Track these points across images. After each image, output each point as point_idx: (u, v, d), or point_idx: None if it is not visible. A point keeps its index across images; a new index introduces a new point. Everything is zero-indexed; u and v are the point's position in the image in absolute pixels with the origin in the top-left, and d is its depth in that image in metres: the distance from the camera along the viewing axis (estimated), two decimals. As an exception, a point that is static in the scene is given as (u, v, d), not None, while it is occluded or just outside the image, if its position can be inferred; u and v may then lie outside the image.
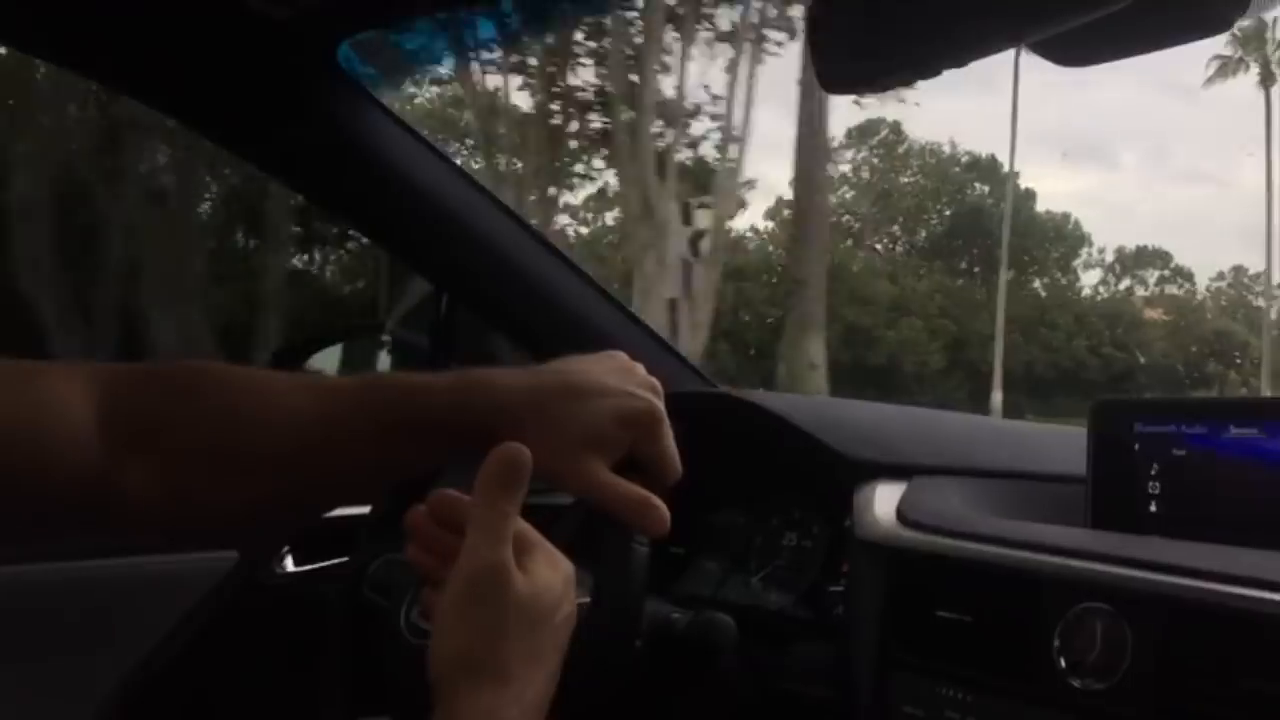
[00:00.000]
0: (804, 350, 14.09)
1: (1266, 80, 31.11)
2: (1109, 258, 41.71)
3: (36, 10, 1.19)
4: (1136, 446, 1.06)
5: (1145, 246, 41.95)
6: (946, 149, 38.24)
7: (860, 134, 37.75)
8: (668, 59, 12.69)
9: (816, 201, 15.20)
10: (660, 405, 0.70)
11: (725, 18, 13.83)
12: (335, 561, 1.62)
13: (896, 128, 37.46)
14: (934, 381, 29.06)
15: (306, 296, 11.94)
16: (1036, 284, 38.04)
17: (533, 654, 0.60)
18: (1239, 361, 36.46)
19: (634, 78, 12.25)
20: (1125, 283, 41.48)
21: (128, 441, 0.63)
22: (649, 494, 0.67)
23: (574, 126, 14.26)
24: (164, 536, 0.69)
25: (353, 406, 0.66)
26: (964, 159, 38.15)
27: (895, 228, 37.94)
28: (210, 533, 0.74)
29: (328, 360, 1.75)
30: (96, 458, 0.62)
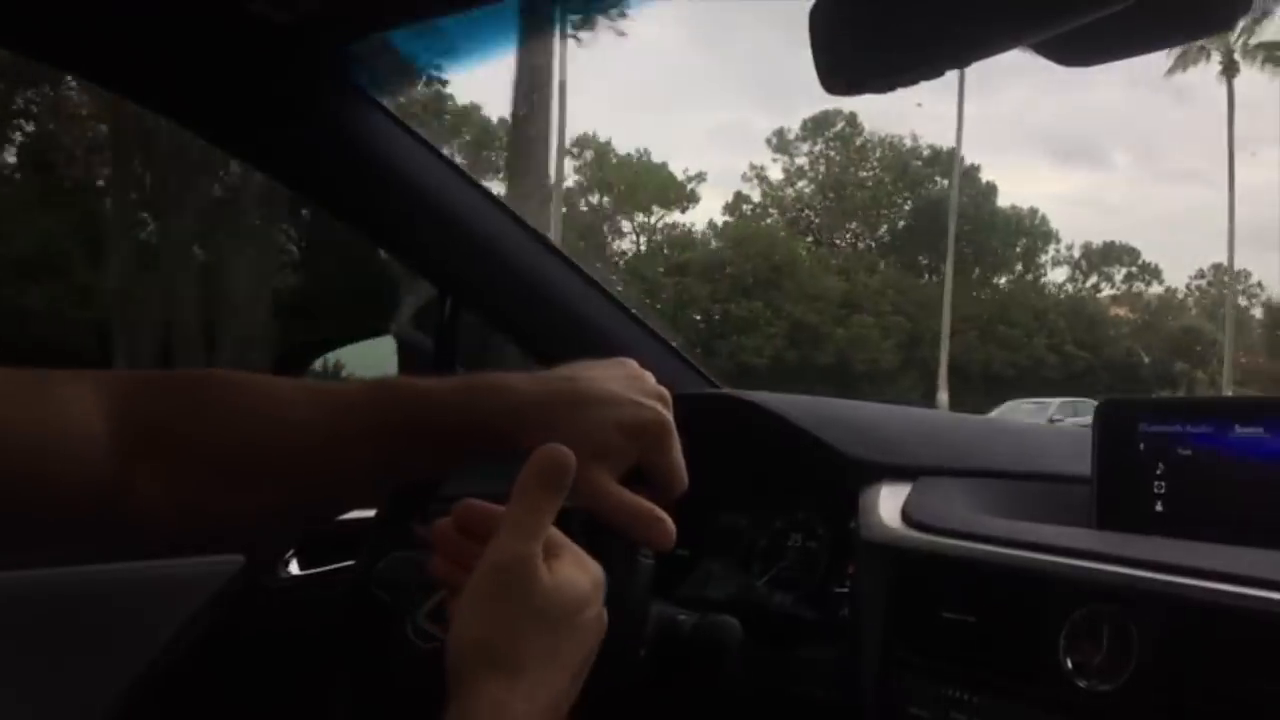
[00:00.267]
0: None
1: (1229, 71, 30.58)
2: (1077, 254, 41.13)
3: (39, 14, 1.20)
4: (1142, 446, 1.05)
5: (1113, 242, 41.28)
6: (908, 141, 37.30)
7: (816, 126, 36.85)
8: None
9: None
10: (669, 416, 0.70)
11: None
12: (340, 565, 1.62)
13: (853, 119, 36.68)
14: (886, 380, 28.51)
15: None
16: (1002, 280, 37.40)
17: (551, 652, 0.59)
18: (1207, 360, 35.79)
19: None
20: (1093, 280, 40.89)
21: (136, 448, 0.63)
22: (655, 507, 0.67)
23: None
24: (171, 541, 0.69)
25: (360, 412, 0.66)
26: (925, 152, 37.26)
27: (855, 223, 37.01)
28: (218, 538, 0.74)
29: (333, 364, 1.75)
30: (105, 465, 0.62)
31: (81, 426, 0.62)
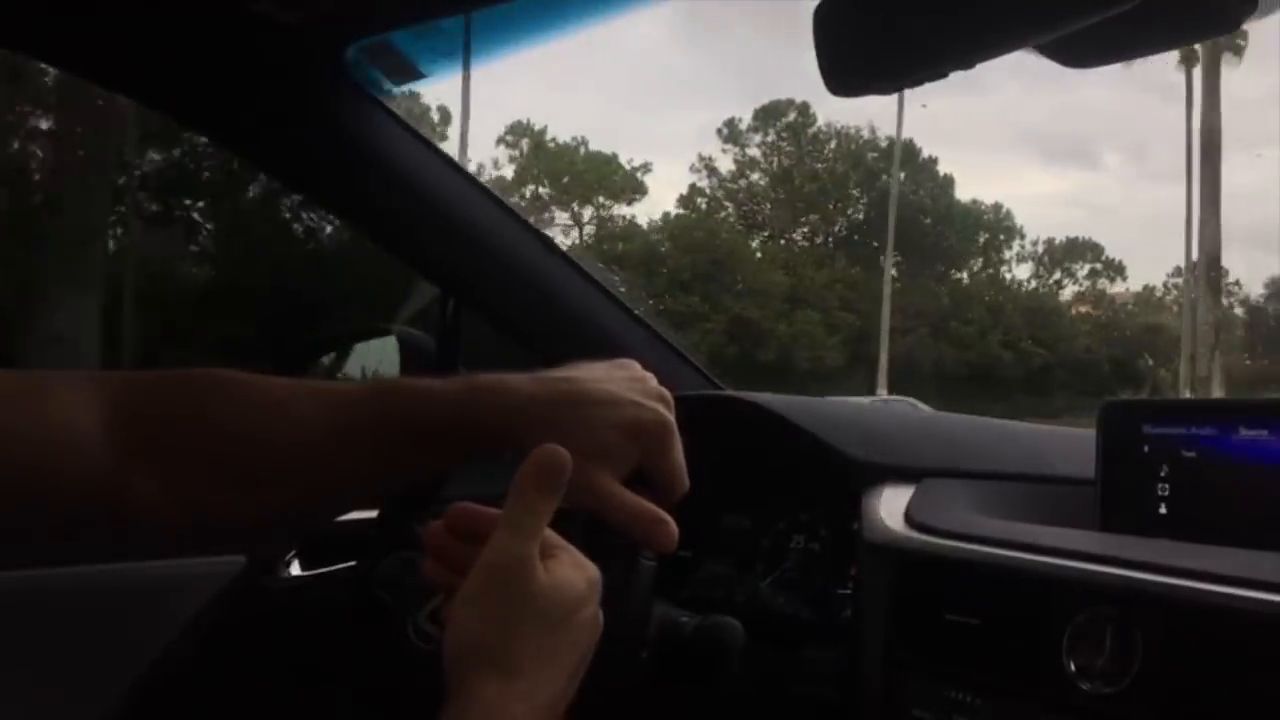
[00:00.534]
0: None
1: (1188, 60, 29.25)
2: (1054, 250, 40.11)
3: (42, 14, 1.20)
4: (1146, 448, 1.05)
5: (1076, 238, 40.50)
6: (865, 133, 36.02)
7: (766, 115, 35.59)
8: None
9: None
10: (670, 417, 0.70)
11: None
12: (342, 566, 1.62)
13: (805, 109, 35.43)
14: (831, 378, 27.79)
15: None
16: (964, 276, 36.53)
17: (547, 652, 0.59)
18: (1172, 358, 34.61)
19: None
20: (1056, 275, 40.08)
21: (135, 450, 0.63)
22: (657, 509, 0.67)
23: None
24: (172, 542, 0.69)
25: (360, 413, 0.66)
26: (883, 144, 35.62)
27: (816, 217, 35.72)
28: (218, 538, 0.74)
29: (333, 363, 1.75)
30: (104, 466, 0.62)
31: (81, 427, 0.62)
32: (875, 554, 1.04)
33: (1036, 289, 38.63)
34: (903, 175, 34.10)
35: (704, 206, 35.22)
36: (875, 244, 33.66)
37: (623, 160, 34.83)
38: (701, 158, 36.61)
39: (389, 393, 0.68)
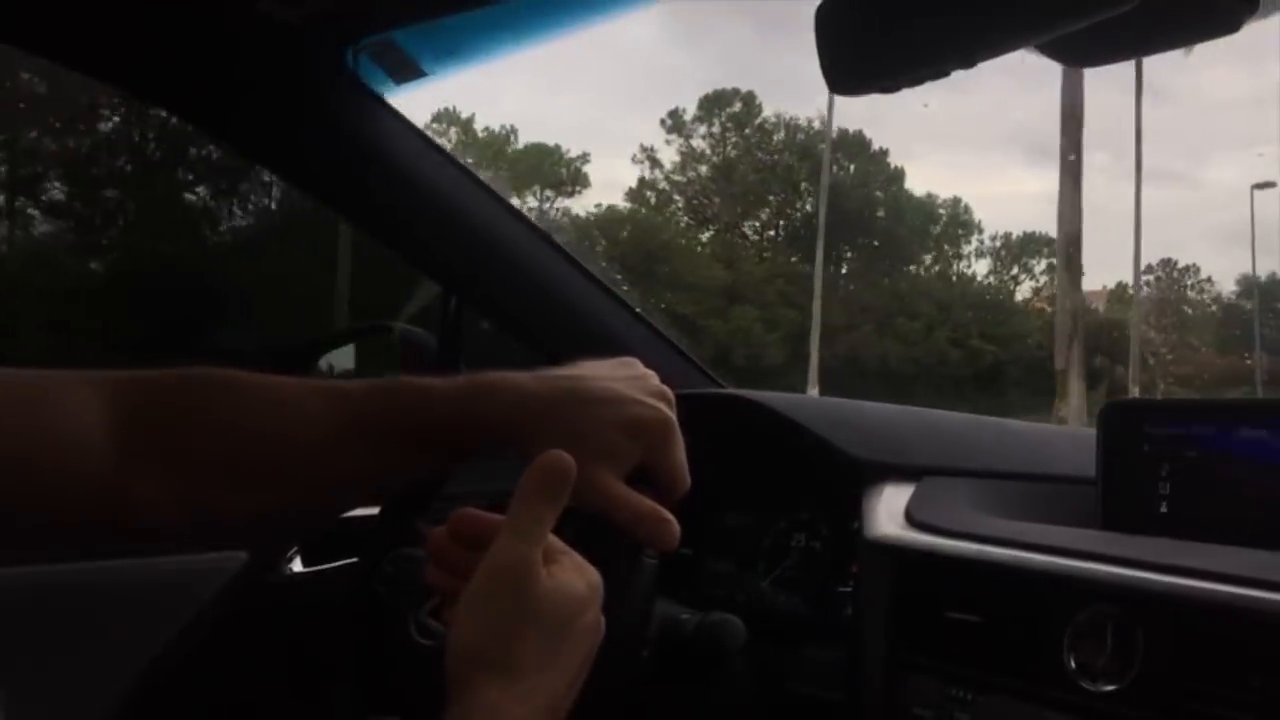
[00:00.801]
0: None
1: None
2: (1011, 245, 38.23)
3: (45, 12, 1.20)
4: (1147, 448, 1.05)
5: (1033, 232, 38.81)
6: (817, 124, 33.37)
7: (710, 104, 33.84)
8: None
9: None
10: (672, 415, 0.70)
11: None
12: (344, 562, 1.63)
13: (750, 99, 33.56)
14: (770, 375, 26.16)
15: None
16: (921, 271, 35.33)
17: (548, 656, 0.59)
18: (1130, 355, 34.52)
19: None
20: (1013, 271, 38.46)
21: (138, 448, 0.63)
22: (659, 507, 0.67)
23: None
24: (174, 540, 0.69)
25: (363, 411, 0.66)
26: (833, 135, 33.13)
27: (767, 211, 33.94)
28: (220, 536, 0.74)
29: (336, 361, 1.75)
30: (106, 464, 0.62)
31: (83, 426, 0.62)
32: (876, 552, 1.04)
33: (989, 284, 37.53)
34: (852, 167, 33.38)
35: (653, 200, 33.82)
36: (829, 235, 31.93)
37: (568, 153, 33.24)
38: (643, 148, 34.46)
39: (391, 391, 0.68)
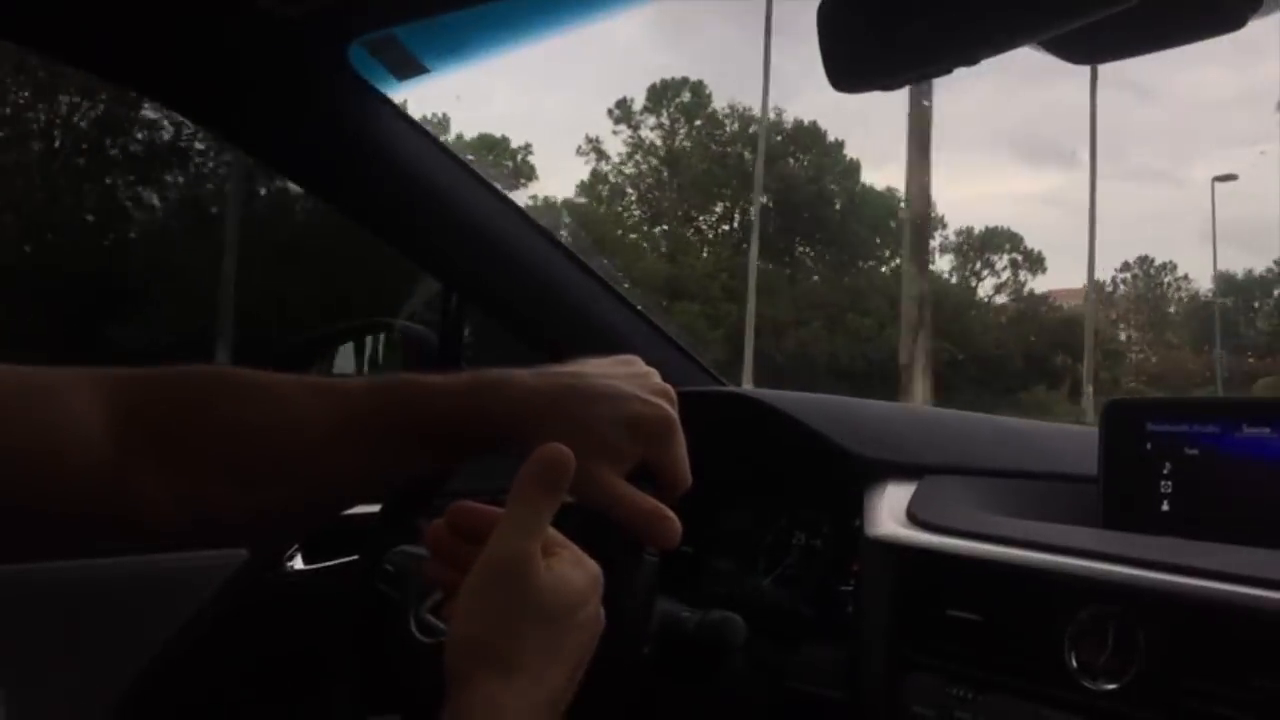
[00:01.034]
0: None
1: None
2: (972, 240, 37.00)
3: (47, 8, 1.20)
4: (1148, 446, 1.05)
5: (996, 227, 37.90)
6: (772, 115, 31.96)
7: (659, 94, 32.53)
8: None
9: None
10: (674, 413, 0.70)
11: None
12: (345, 560, 1.63)
13: (699, 88, 32.13)
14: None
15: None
16: (883, 268, 33.89)
17: (547, 649, 0.59)
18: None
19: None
20: (974, 266, 37.29)
21: (138, 447, 0.63)
22: (660, 505, 0.67)
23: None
24: (174, 538, 0.69)
25: (364, 409, 0.66)
26: (787, 126, 32.21)
27: (723, 205, 32.23)
28: (220, 534, 0.74)
29: (337, 360, 1.75)
30: (107, 464, 0.62)
31: (83, 423, 0.62)
32: (877, 550, 1.04)
33: (950, 281, 36.25)
34: (806, 160, 32.31)
35: (605, 193, 32.68)
36: (783, 230, 31.55)
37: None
38: (589, 140, 32.94)
39: (391, 388, 0.68)
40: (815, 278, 32.37)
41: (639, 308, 1.59)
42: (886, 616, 1.01)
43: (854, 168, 33.89)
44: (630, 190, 32.86)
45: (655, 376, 0.72)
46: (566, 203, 30.80)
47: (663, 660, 1.04)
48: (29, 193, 12.58)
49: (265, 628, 1.63)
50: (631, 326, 1.59)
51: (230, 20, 1.23)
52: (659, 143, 32.77)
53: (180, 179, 13.45)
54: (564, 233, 1.52)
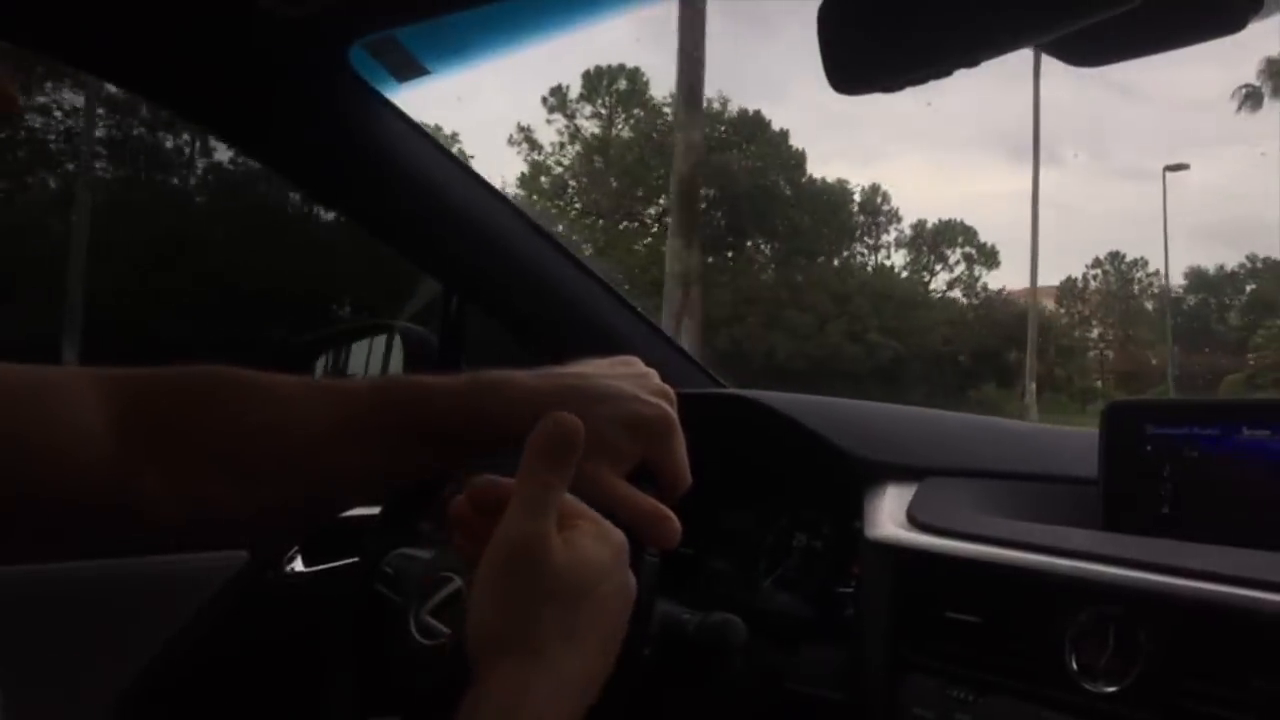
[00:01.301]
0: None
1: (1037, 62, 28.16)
2: (925, 234, 36.32)
3: (47, 8, 1.20)
4: (1149, 448, 1.05)
5: (950, 220, 37.13)
6: (717, 105, 31.31)
7: (594, 81, 31.59)
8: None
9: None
10: (673, 413, 0.70)
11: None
12: (344, 562, 1.63)
13: (635, 75, 31.29)
14: None
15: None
16: (836, 262, 33.60)
17: (571, 628, 0.58)
18: (1045, 350, 31.85)
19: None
20: (927, 260, 36.69)
21: (140, 447, 0.63)
22: (660, 505, 0.66)
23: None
24: (175, 539, 0.69)
25: (365, 410, 0.66)
26: (731, 116, 31.82)
27: (664, 196, 29.79)
28: (222, 535, 0.74)
29: (335, 360, 1.75)
30: (109, 464, 0.62)
31: (86, 424, 0.62)
32: (877, 552, 1.04)
33: (900, 275, 35.69)
34: (750, 149, 31.46)
35: (546, 185, 31.79)
36: (724, 223, 30.71)
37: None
38: (520, 129, 31.80)
39: (392, 390, 0.68)
40: (768, 273, 31.54)
41: (639, 309, 1.59)
42: (886, 618, 1.00)
43: (799, 159, 33.09)
44: (572, 183, 31.87)
45: (655, 377, 0.72)
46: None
47: (663, 662, 1.04)
48: None
49: (265, 628, 1.63)
50: (631, 327, 1.59)
51: (231, 21, 1.23)
52: (598, 132, 31.61)
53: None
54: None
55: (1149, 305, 40.20)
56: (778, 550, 1.27)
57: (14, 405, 0.61)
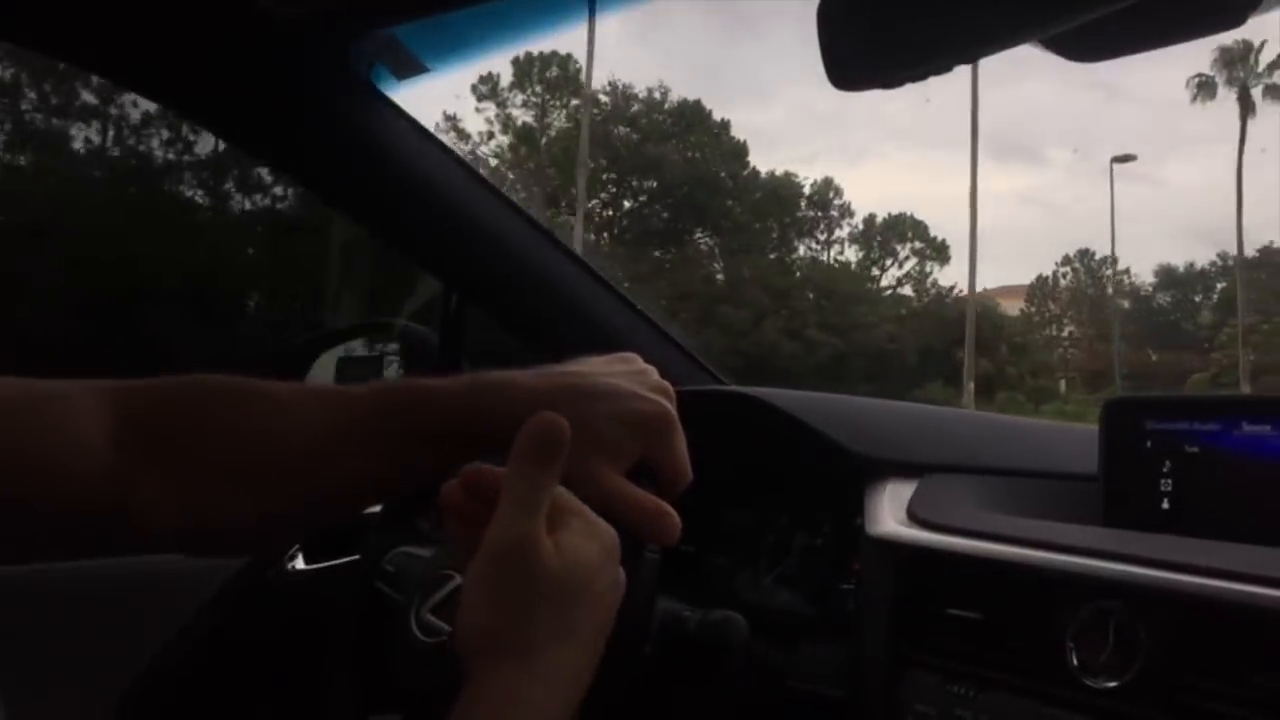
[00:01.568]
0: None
1: (975, 69, 28.11)
2: (875, 229, 35.70)
3: (47, 8, 1.20)
4: (1149, 444, 1.05)
5: (901, 214, 36.59)
6: (657, 94, 31.46)
7: (524, 69, 30.86)
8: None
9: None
10: (672, 409, 0.70)
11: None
12: (345, 560, 1.63)
13: (565, 62, 30.86)
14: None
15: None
16: (792, 257, 33.12)
17: (562, 629, 0.58)
18: (995, 348, 31.89)
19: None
20: (875, 254, 36.18)
21: (140, 457, 0.63)
22: (660, 502, 0.66)
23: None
24: (176, 548, 0.68)
25: (365, 416, 0.66)
26: (669, 105, 31.57)
27: (608, 189, 30.50)
28: (223, 544, 0.73)
29: (334, 360, 1.75)
30: (108, 474, 0.62)
31: (86, 434, 0.62)
32: (878, 549, 1.04)
33: (839, 269, 34.82)
34: (689, 139, 30.86)
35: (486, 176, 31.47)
36: (665, 215, 30.29)
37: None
38: (447, 117, 30.57)
39: (392, 391, 0.68)
40: (711, 269, 30.77)
41: (638, 306, 1.59)
42: (887, 615, 1.00)
43: (741, 150, 32.37)
44: (510, 174, 30.81)
45: (654, 374, 0.72)
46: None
47: (663, 659, 1.04)
48: None
49: (266, 627, 1.63)
50: (631, 325, 1.59)
51: (230, 20, 1.23)
52: (532, 121, 30.88)
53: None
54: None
55: (1125, 304, 40.11)
56: (778, 547, 1.27)
57: (12, 417, 0.60)
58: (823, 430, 1.17)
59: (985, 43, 0.73)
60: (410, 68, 1.37)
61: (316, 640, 1.57)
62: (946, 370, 30.01)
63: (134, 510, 0.63)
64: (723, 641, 1.04)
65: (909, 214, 36.83)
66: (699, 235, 31.83)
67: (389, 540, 1.47)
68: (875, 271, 36.36)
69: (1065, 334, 40.02)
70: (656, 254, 28.11)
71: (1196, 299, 38.81)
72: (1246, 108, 29.28)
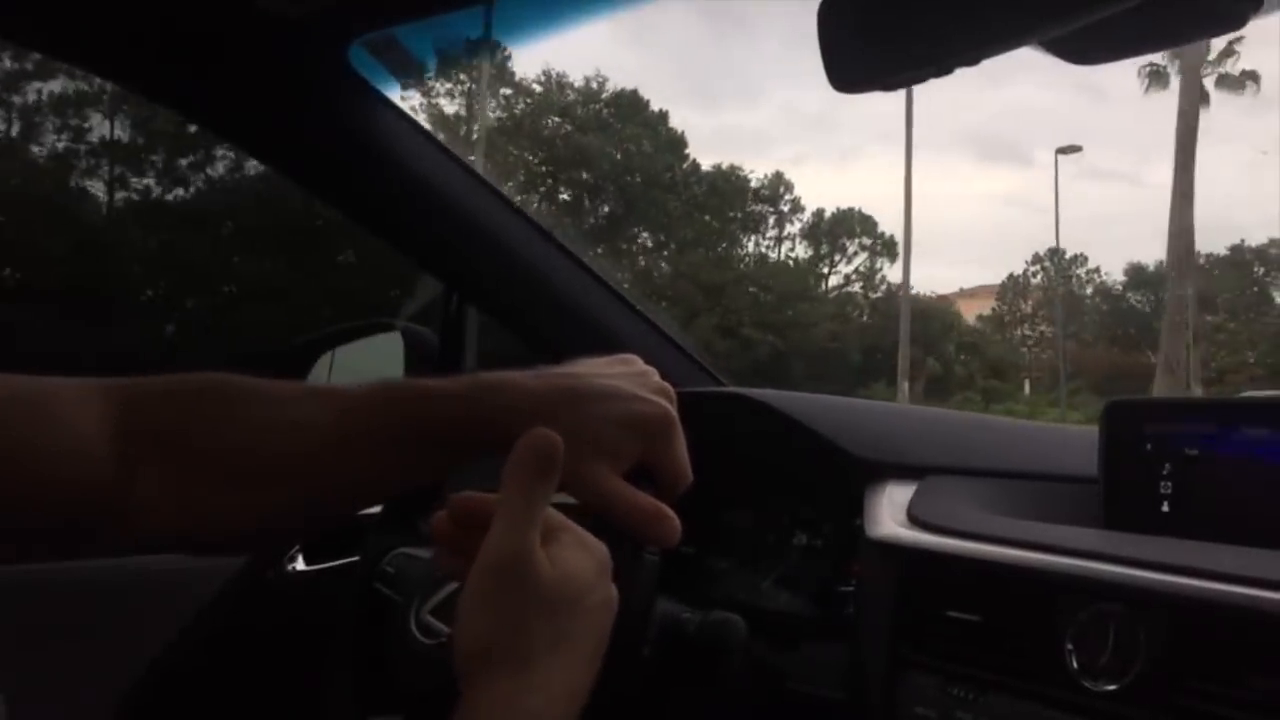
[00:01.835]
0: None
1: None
2: (823, 224, 34.69)
3: (47, 8, 1.20)
4: (1148, 446, 1.05)
5: (851, 209, 35.65)
6: (594, 84, 30.66)
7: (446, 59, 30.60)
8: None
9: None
10: (673, 411, 0.69)
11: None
12: (345, 561, 1.63)
13: (494, 49, 29.67)
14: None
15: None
16: (745, 254, 32.34)
17: (559, 643, 0.58)
18: (941, 348, 31.74)
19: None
20: (824, 250, 35.32)
21: (140, 454, 0.63)
22: (659, 504, 0.66)
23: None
24: (177, 547, 0.69)
25: (365, 415, 0.66)
26: (605, 95, 30.73)
27: (544, 186, 29.34)
28: (224, 543, 0.73)
29: (334, 360, 1.75)
30: (109, 471, 0.62)
31: (86, 433, 0.62)
32: (878, 551, 1.04)
33: (779, 265, 33.96)
34: (626, 130, 30.05)
35: None
36: (603, 210, 29.49)
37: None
38: None
39: (392, 395, 0.68)
40: (648, 265, 30.05)
41: (639, 307, 1.59)
42: (887, 617, 1.00)
43: (679, 142, 31.49)
44: None
45: (654, 375, 0.72)
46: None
47: (663, 661, 1.04)
48: None
49: (265, 629, 1.63)
50: (631, 326, 1.59)
51: (230, 20, 1.23)
52: (462, 112, 29.58)
53: None
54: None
55: (1103, 306, 39.98)
56: (778, 549, 1.27)
57: (13, 414, 0.60)
58: (822, 432, 1.17)
59: (987, 44, 0.73)
60: (409, 68, 1.37)
61: (316, 641, 1.57)
62: (890, 370, 29.43)
63: (133, 510, 0.63)
64: (722, 643, 1.04)
65: (857, 209, 36.07)
66: (638, 230, 31.28)
67: (389, 541, 1.47)
68: (824, 269, 35.71)
69: (1035, 333, 39.89)
70: (598, 250, 27.32)
71: (1164, 297, 38.68)
72: (1197, 98, 28.34)
